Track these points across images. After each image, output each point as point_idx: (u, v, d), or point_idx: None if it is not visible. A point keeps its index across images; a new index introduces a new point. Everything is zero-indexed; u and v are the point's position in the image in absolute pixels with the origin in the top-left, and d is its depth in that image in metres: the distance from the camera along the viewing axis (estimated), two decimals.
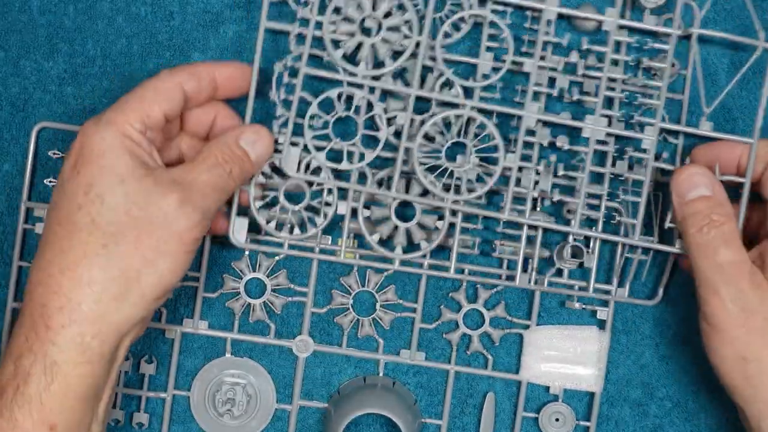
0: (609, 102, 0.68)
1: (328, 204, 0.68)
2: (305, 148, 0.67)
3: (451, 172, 0.67)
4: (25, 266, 0.71)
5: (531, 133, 0.67)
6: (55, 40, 0.71)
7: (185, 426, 0.72)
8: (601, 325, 0.72)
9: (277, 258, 0.71)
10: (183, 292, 0.72)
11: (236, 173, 0.63)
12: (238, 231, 0.68)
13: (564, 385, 0.71)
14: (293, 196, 0.68)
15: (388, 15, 0.66)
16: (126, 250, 0.58)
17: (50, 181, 0.70)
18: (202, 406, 0.72)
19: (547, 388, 0.72)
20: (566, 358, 0.71)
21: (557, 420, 0.71)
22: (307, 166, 0.67)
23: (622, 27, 0.67)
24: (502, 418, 0.72)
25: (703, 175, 0.64)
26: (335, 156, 0.67)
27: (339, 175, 0.68)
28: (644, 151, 0.67)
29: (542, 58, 0.67)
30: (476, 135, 0.67)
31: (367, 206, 0.68)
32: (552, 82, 0.68)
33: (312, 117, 0.66)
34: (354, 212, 0.68)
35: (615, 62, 0.67)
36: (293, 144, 0.66)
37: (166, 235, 0.59)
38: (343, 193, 0.68)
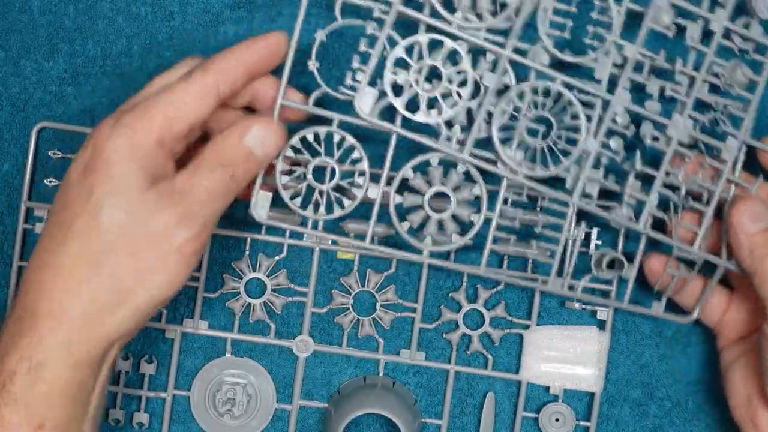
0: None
1: (359, 186, 0.65)
2: (381, 94, 0.63)
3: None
4: (26, 266, 0.71)
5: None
6: (56, 40, 0.71)
7: (185, 426, 0.73)
8: (601, 325, 0.72)
9: (277, 258, 0.72)
10: (183, 292, 0.71)
11: (240, 175, 0.61)
12: (260, 206, 0.65)
13: (564, 385, 0.72)
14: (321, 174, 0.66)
15: None
16: (120, 263, 0.57)
17: (50, 181, 0.70)
18: (203, 406, 0.72)
19: (547, 388, 0.72)
20: (566, 358, 0.71)
21: (557, 420, 0.72)
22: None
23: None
24: (502, 418, 0.73)
25: (764, 207, 0.65)
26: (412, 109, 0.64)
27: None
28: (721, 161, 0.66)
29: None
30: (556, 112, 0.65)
31: (399, 192, 0.66)
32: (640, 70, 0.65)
33: (396, 63, 0.63)
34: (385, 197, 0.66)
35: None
36: (372, 85, 0.63)
37: (164, 250, 0.58)
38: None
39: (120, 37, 0.71)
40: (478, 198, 0.66)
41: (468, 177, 0.65)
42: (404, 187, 0.65)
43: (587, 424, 0.72)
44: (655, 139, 0.65)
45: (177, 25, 0.71)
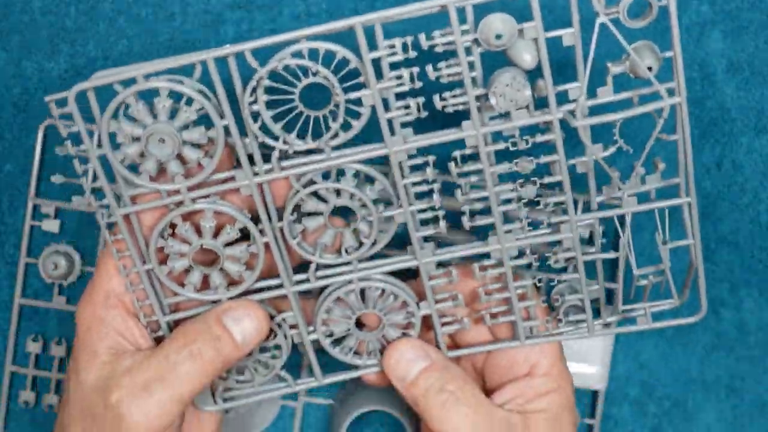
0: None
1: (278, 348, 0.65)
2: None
3: None
4: (32, 263, 0.76)
5: None
6: (57, 41, 0.73)
7: None
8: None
9: None
10: None
11: (209, 355, 0.59)
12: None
13: None
14: None
15: None
16: None
17: (56, 179, 0.74)
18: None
19: None
20: (570, 355, 0.72)
21: None
22: None
23: None
24: None
25: (412, 347, 0.62)
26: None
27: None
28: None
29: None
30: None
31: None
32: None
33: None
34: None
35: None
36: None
37: (117, 428, 0.58)
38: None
39: (121, 37, 0.73)
40: None
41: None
42: None
43: (591, 421, 0.75)
44: None
45: (178, 26, 0.73)
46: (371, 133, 0.59)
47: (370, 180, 0.60)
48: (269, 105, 0.58)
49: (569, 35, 0.56)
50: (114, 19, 0.74)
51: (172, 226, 0.61)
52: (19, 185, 0.75)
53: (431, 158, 0.59)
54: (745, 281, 0.76)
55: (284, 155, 0.59)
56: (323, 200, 0.61)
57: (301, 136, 0.59)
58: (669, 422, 0.77)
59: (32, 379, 0.77)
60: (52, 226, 0.76)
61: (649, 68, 0.56)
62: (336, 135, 0.58)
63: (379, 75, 0.57)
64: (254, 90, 0.57)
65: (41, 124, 0.74)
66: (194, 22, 0.73)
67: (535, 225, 0.62)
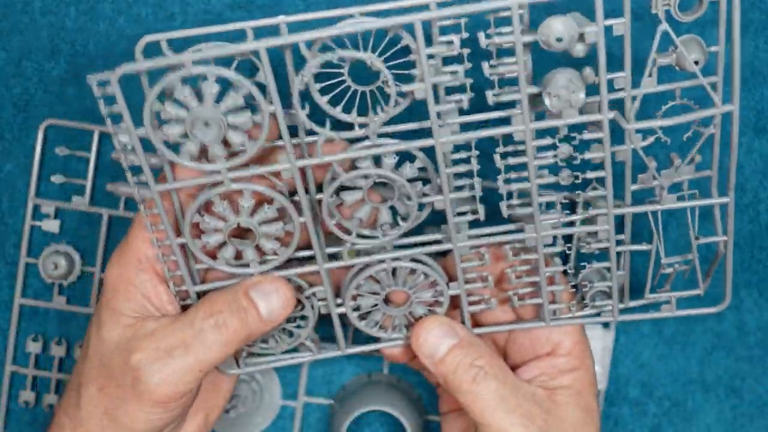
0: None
1: (303, 318, 0.65)
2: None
3: None
4: (32, 263, 0.76)
5: None
6: (57, 41, 0.74)
7: None
8: (605, 323, 0.75)
9: None
10: None
11: (234, 326, 0.60)
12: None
13: None
14: None
15: None
16: (92, 396, 0.61)
17: (57, 179, 0.74)
18: None
19: None
20: None
21: None
22: None
23: None
24: None
25: (440, 324, 0.63)
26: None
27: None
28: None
29: None
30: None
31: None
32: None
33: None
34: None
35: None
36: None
37: (132, 393, 0.59)
38: None
39: (121, 38, 0.73)
40: None
41: None
42: None
43: None
44: None
45: (178, 26, 0.73)
46: (410, 110, 0.59)
47: (410, 157, 0.61)
48: (320, 90, 0.58)
49: (620, 25, 0.56)
50: (114, 19, 0.74)
51: (208, 202, 0.61)
52: (19, 185, 0.76)
53: (474, 153, 0.60)
54: (745, 281, 0.76)
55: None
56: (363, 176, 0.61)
57: (348, 124, 0.59)
58: (669, 422, 0.77)
59: (32, 379, 0.78)
60: (52, 226, 0.76)
61: (696, 62, 0.58)
62: (384, 124, 0.59)
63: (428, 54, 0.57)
64: (304, 80, 0.57)
65: (41, 124, 0.74)
66: (194, 22, 0.73)
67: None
